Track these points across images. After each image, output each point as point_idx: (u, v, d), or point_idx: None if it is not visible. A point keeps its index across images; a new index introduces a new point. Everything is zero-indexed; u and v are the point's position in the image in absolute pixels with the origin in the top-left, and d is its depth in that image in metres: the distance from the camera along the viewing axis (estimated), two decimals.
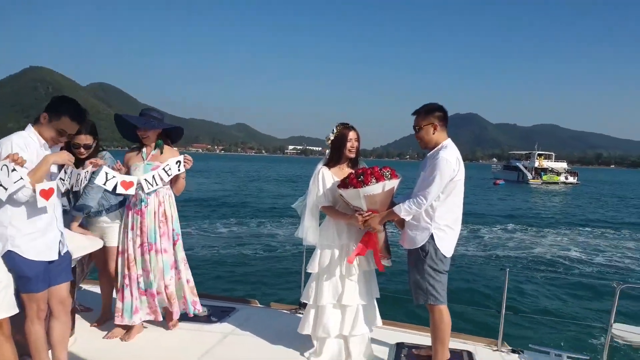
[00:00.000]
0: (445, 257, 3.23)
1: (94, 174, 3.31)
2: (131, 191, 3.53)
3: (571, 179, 62.68)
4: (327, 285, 3.49)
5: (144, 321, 3.90)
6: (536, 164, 63.33)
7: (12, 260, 2.65)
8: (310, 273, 3.59)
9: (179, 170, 3.69)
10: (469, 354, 3.65)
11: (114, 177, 3.43)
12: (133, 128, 3.81)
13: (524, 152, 72.90)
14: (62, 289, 2.91)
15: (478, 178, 74.09)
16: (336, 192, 3.46)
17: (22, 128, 2.82)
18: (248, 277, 9.72)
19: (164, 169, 3.66)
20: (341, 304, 3.50)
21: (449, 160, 3.11)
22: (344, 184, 3.32)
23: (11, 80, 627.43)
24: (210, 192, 33.14)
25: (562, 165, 67.61)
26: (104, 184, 3.36)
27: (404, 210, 3.19)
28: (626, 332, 3.47)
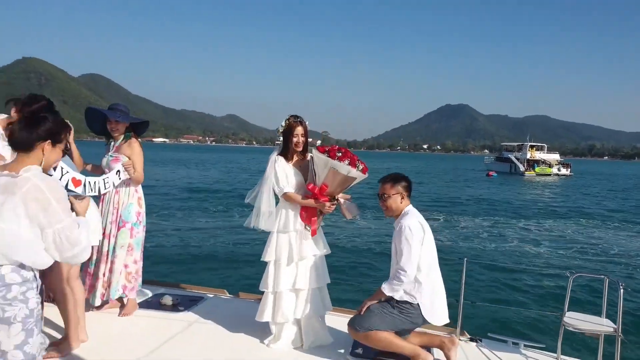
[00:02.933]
0: (420, 316, 3.30)
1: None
2: (79, 190, 3.52)
3: (564, 171, 62.65)
4: (283, 271, 3.62)
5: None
6: (528, 156, 63.28)
7: None
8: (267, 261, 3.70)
9: (119, 178, 3.88)
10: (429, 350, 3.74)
11: (67, 172, 3.44)
12: (102, 122, 4.06)
13: (515, 144, 72.70)
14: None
15: (471, 170, 74.64)
16: (296, 177, 3.66)
17: None
18: (220, 268, 9.83)
19: (103, 180, 3.80)
20: (296, 289, 3.64)
21: (411, 227, 3.23)
22: (323, 149, 3.53)
23: (3, 71, 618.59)
24: (191, 182, 33.22)
25: (555, 156, 67.46)
26: (60, 179, 3.36)
27: (388, 289, 3.30)
28: (578, 321, 3.57)
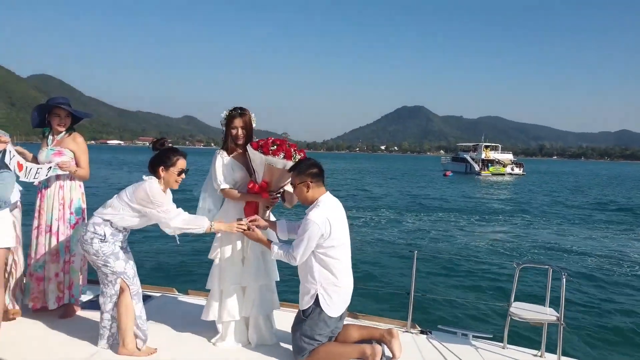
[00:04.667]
0: (330, 318, 3.25)
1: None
2: (21, 174, 3.44)
3: (517, 170, 64.84)
4: (229, 269, 3.53)
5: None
6: (483, 156, 65.12)
7: None
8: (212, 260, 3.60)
9: (46, 175, 3.73)
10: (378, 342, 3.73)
11: (14, 156, 3.35)
12: (41, 116, 3.92)
13: (471, 144, 74.51)
14: None
15: (427, 170, 76.36)
16: (239, 172, 3.55)
17: None
18: (170, 266, 9.58)
19: (37, 169, 3.65)
20: (242, 286, 3.56)
21: (316, 221, 3.13)
22: (257, 145, 3.39)
23: None
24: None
25: (508, 156, 69.61)
26: (9, 162, 3.26)
27: (276, 254, 3.30)
28: (524, 310, 3.66)
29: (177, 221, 3.23)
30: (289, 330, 3.79)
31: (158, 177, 3.28)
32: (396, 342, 3.38)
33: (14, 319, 3.75)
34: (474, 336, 3.90)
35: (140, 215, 3.22)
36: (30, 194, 4.04)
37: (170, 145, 3.44)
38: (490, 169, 63.39)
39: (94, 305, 4.11)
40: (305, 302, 3.25)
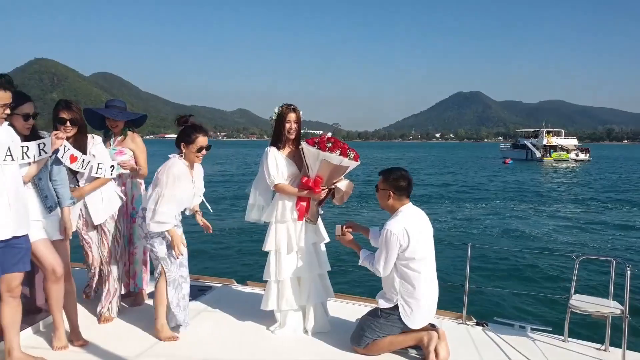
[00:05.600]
0: (406, 327, 3.29)
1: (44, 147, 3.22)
2: (74, 166, 3.55)
3: (582, 156, 61.40)
4: (284, 260, 3.67)
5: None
6: (545, 142, 62.24)
7: None
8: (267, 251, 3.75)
9: (111, 174, 3.83)
10: (433, 326, 3.75)
11: (68, 149, 3.50)
12: (101, 119, 4.14)
13: (531, 130, 71.34)
14: (14, 278, 2.96)
15: (486, 157, 74.07)
16: (290, 168, 3.68)
17: None
18: (229, 258, 10.05)
19: (98, 165, 3.74)
20: (297, 277, 3.70)
21: (393, 230, 3.19)
22: (313, 142, 3.52)
23: (17, 72, 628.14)
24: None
25: (573, 142, 66.13)
26: (62, 156, 3.41)
27: (362, 262, 3.42)
28: (585, 303, 3.57)
29: (158, 210, 3.36)
30: (343, 318, 3.90)
31: (181, 153, 3.51)
32: (435, 344, 3.29)
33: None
34: (532, 329, 3.83)
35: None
36: None
37: (193, 122, 3.60)
38: (553, 155, 60.44)
39: None
40: (384, 304, 3.33)
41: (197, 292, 4.48)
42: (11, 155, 2.84)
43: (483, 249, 9.77)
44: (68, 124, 3.53)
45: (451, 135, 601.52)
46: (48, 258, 3.21)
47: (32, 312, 3.63)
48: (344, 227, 3.57)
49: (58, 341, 3.32)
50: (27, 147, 2.96)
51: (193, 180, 3.60)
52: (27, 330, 3.46)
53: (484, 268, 9.04)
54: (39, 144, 3.03)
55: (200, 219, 3.85)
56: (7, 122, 2.92)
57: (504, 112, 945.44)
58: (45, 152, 3.08)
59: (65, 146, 3.43)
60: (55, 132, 3.31)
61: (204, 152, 3.55)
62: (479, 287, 4.84)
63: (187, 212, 3.77)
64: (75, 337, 3.42)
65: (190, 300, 4.24)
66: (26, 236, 2.99)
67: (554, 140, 63.46)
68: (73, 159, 3.52)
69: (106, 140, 4.14)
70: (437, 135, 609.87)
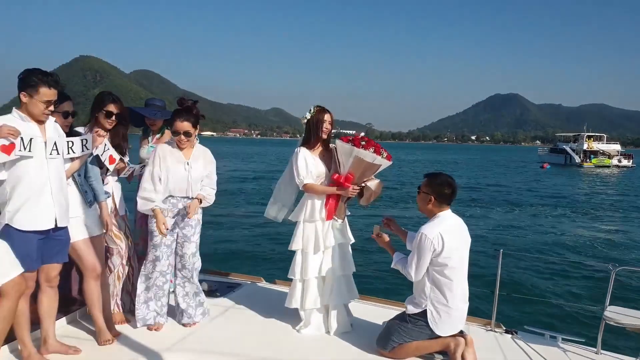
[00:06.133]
0: (433, 334, 3.27)
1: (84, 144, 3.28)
2: (111, 167, 3.64)
3: (625, 162, 58.59)
4: (311, 259, 3.70)
5: None
6: (585, 147, 59.79)
7: (8, 235, 2.85)
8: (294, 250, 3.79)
9: (140, 172, 3.83)
10: (461, 333, 3.71)
11: (108, 149, 3.58)
12: (141, 117, 4.22)
13: (571, 134, 68.69)
14: (53, 269, 3.11)
15: (522, 161, 72.23)
16: (319, 168, 3.73)
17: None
18: (258, 256, 10.20)
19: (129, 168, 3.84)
20: (322, 276, 3.73)
21: (427, 234, 3.16)
22: (347, 139, 3.57)
23: (62, 69, 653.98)
24: (235, 173, 34.12)
25: (615, 147, 63.27)
26: (101, 154, 3.52)
27: (394, 264, 3.42)
28: (620, 315, 3.46)
29: (141, 186, 3.52)
30: (368, 320, 3.89)
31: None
32: (462, 350, 3.26)
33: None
34: (563, 339, 3.73)
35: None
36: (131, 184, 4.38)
37: (189, 105, 3.62)
38: (594, 160, 58.13)
39: (206, 294, 4.29)
40: (412, 310, 3.32)
41: (225, 289, 4.58)
42: (57, 150, 2.99)
43: (515, 255, 9.55)
44: (114, 117, 3.58)
45: (487, 138, 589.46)
46: (89, 258, 3.36)
47: (68, 303, 3.77)
48: (383, 221, 3.56)
49: (103, 335, 3.40)
50: (72, 143, 3.10)
51: (188, 163, 3.59)
52: (62, 320, 3.60)
53: (515, 275, 8.86)
54: (82, 140, 3.17)
55: (190, 203, 3.59)
56: (53, 119, 3.07)
57: (543, 116, 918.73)
58: (87, 149, 3.21)
59: (105, 145, 3.55)
60: (96, 130, 3.45)
61: (181, 137, 3.52)
62: (509, 295, 4.73)
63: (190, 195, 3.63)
64: (108, 329, 3.51)
65: (218, 296, 4.39)
66: (66, 229, 3.13)
67: (595, 146, 60.96)
68: (112, 160, 3.63)
69: (144, 137, 4.26)
70: (473, 137, 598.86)
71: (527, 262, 9.74)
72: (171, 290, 3.95)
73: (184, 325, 3.75)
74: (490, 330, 3.93)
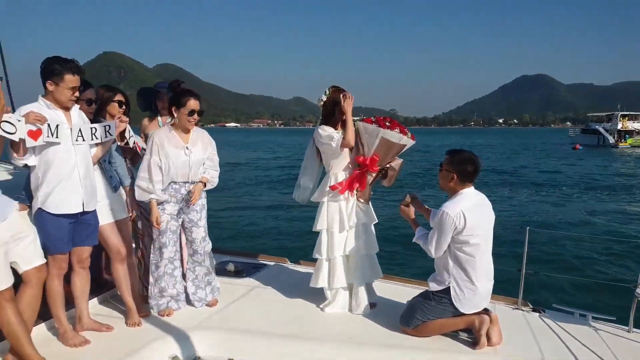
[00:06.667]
0: (457, 311, 3.25)
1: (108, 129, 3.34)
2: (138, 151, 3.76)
3: None
4: (337, 238, 3.72)
5: None
6: (619, 126, 57.43)
7: (41, 218, 2.98)
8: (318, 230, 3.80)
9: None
10: (486, 311, 3.67)
11: (132, 136, 3.67)
12: (147, 101, 4.16)
13: (604, 114, 65.97)
14: (84, 251, 3.24)
15: (552, 143, 70.51)
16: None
17: None
18: (283, 238, 10.43)
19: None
20: (347, 255, 3.75)
21: (449, 212, 3.12)
22: (370, 121, 3.56)
23: (88, 66, 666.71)
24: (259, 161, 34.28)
25: None
26: (128, 140, 3.63)
27: (416, 239, 3.41)
28: None
29: (139, 175, 3.49)
30: (392, 299, 3.90)
31: (172, 116, 3.54)
32: (495, 327, 3.24)
33: None
34: (593, 317, 3.65)
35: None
36: None
37: (186, 87, 3.62)
38: (629, 140, 55.95)
39: (216, 271, 4.44)
40: (435, 287, 3.31)
41: (251, 269, 4.67)
42: (82, 136, 3.07)
43: (542, 233, 9.35)
44: (124, 106, 3.65)
45: (515, 120, 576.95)
46: (113, 240, 3.47)
47: (99, 284, 3.91)
48: (411, 197, 3.53)
49: (130, 319, 3.50)
50: (95, 129, 3.18)
51: (187, 147, 3.54)
52: (94, 299, 3.73)
53: (542, 253, 8.69)
54: (104, 126, 3.25)
55: (194, 187, 3.58)
56: (77, 106, 3.15)
57: (573, 96, 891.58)
58: (111, 135, 3.29)
59: (129, 131, 3.65)
60: (119, 116, 3.53)
61: (195, 116, 3.52)
62: (537, 273, 4.64)
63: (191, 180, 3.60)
64: (137, 309, 3.60)
65: (244, 276, 4.47)
66: (94, 212, 3.24)
67: (631, 125, 58.50)
68: (139, 146, 3.73)
69: (151, 120, 4.12)
70: (500, 120, 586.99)
71: (555, 240, 9.55)
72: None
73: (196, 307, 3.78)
74: (517, 308, 3.87)
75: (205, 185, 3.65)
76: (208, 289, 3.85)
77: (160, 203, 3.54)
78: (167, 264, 3.67)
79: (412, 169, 27.69)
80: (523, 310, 3.84)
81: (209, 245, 3.81)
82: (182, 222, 3.70)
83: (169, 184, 3.54)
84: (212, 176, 3.70)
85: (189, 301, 3.82)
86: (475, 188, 3.33)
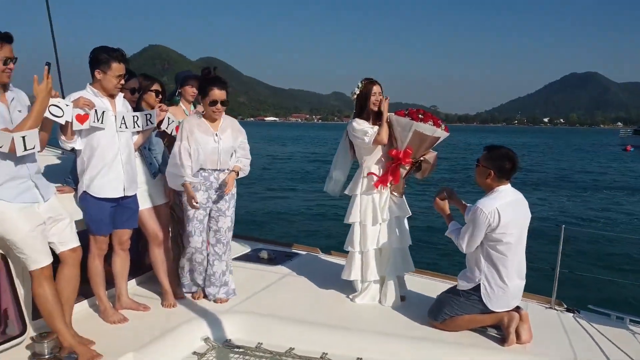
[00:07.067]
0: (486, 308, 3.22)
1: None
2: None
3: None
4: (369, 231, 3.74)
5: None
6: None
7: (85, 201, 3.17)
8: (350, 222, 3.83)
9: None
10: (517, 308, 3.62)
11: (173, 121, 3.77)
12: (176, 88, 4.18)
13: None
14: (124, 234, 3.40)
15: (601, 144, 67.73)
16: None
17: None
18: (315, 229, 10.71)
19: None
20: (379, 248, 3.76)
21: (483, 209, 3.09)
22: (403, 113, 3.55)
23: (134, 59, 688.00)
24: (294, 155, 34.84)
25: None
26: (166, 128, 3.75)
27: (448, 233, 3.38)
28: None
29: (169, 162, 3.52)
30: (423, 293, 3.91)
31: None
32: (515, 326, 3.18)
33: None
34: (631, 320, 3.53)
35: None
36: None
37: (214, 75, 3.52)
38: None
39: (249, 258, 4.76)
40: (464, 285, 3.31)
41: (283, 258, 4.77)
42: (125, 124, 3.23)
43: (579, 232, 9.05)
44: (160, 96, 3.77)
45: (561, 120, 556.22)
46: (152, 225, 3.63)
47: (138, 265, 4.07)
48: (443, 190, 3.50)
49: (166, 300, 3.66)
50: (137, 117, 3.33)
51: (217, 134, 3.52)
52: (132, 280, 3.90)
53: (578, 253, 8.45)
54: (146, 115, 3.40)
55: (228, 176, 3.59)
56: (122, 94, 3.31)
57: (626, 95, 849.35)
58: (152, 123, 3.45)
59: (169, 118, 3.77)
60: (159, 105, 3.67)
61: (218, 106, 3.45)
62: (572, 272, 4.52)
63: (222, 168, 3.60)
64: (173, 291, 3.75)
65: (277, 264, 4.57)
66: (135, 197, 3.41)
67: None
68: (177, 129, 3.80)
69: (174, 105, 4.07)
70: (545, 119, 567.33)
71: (593, 240, 9.26)
72: None
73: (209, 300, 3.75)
74: (551, 308, 3.80)
75: (238, 174, 3.66)
76: (223, 289, 3.74)
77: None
78: (194, 252, 3.67)
79: (451, 166, 27.26)
80: (557, 310, 3.77)
81: (230, 234, 3.76)
82: (210, 211, 3.67)
83: (198, 171, 3.54)
84: (244, 164, 3.70)
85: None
86: (514, 186, 3.28)
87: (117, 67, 3.09)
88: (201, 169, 3.54)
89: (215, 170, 3.58)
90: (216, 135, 3.53)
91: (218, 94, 3.43)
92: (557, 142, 77.86)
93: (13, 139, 2.52)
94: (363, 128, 3.65)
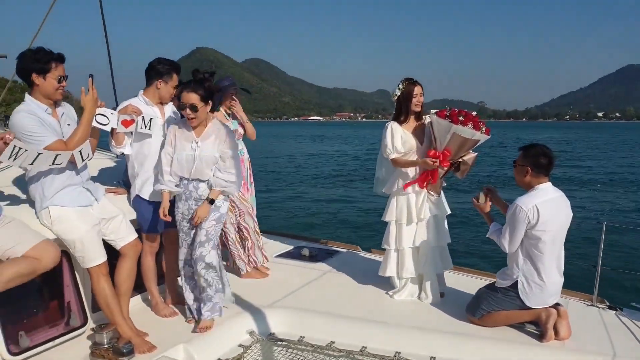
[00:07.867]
0: (524, 305, 3.26)
1: None
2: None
3: None
4: (405, 230, 3.83)
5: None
6: None
7: (138, 203, 3.42)
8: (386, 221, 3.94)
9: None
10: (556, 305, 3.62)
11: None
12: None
13: None
14: (174, 233, 3.52)
15: None
16: (410, 142, 3.77)
17: None
18: (356, 227, 10.90)
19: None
20: (416, 247, 3.84)
21: (522, 206, 3.13)
22: (443, 115, 3.57)
23: (183, 61, 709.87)
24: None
25: None
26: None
27: (490, 234, 3.42)
28: None
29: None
30: (461, 290, 3.97)
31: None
32: (563, 321, 3.20)
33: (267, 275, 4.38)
34: None
35: None
36: None
37: (204, 76, 3.23)
38: None
39: (291, 255, 4.96)
40: (503, 282, 3.36)
41: (324, 255, 4.93)
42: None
43: (622, 230, 8.67)
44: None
45: (617, 114, 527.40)
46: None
47: None
48: (484, 190, 3.53)
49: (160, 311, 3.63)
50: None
51: (197, 142, 3.22)
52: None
53: (621, 250, 8.15)
54: None
55: (198, 208, 3.23)
56: (171, 102, 3.55)
57: None
58: None
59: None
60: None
61: (187, 110, 3.11)
62: (614, 269, 4.44)
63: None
64: None
65: (318, 261, 4.74)
66: None
67: None
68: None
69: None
70: (600, 114, 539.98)
71: (635, 236, 8.88)
72: None
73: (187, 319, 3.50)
74: (592, 305, 3.77)
75: (212, 203, 3.24)
76: (208, 305, 3.30)
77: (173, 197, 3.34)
78: (184, 265, 3.45)
79: (495, 164, 26.58)
80: (598, 307, 3.74)
81: (209, 256, 3.27)
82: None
83: (180, 178, 3.28)
84: (221, 186, 3.24)
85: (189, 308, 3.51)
86: (559, 184, 3.30)
87: (176, 78, 3.37)
88: (182, 176, 3.27)
89: (195, 179, 3.24)
90: (195, 142, 3.21)
91: (186, 96, 3.10)
92: (612, 138, 73.92)
93: (72, 154, 2.80)
94: (386, 144, 3.76)
